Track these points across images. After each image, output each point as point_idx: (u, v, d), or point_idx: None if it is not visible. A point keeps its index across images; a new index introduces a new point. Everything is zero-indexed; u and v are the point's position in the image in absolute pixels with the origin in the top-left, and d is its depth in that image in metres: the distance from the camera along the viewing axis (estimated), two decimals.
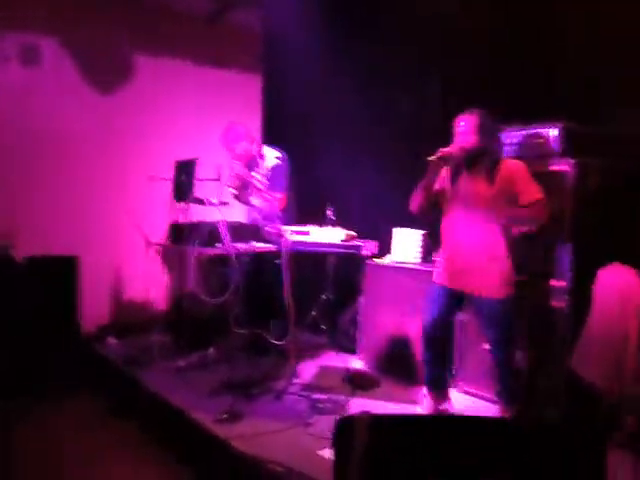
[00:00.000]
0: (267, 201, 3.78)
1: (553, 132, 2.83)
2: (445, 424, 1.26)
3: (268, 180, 3.80)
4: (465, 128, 2.69)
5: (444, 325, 2.88)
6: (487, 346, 3.05)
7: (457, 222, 2.78)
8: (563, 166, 2.76)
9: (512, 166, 2.66)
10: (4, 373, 3.31)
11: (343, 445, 1.06)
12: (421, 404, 2.99)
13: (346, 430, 1.06)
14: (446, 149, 2.69)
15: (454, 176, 2.79)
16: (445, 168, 2.82)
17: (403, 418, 1.20)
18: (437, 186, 2.84)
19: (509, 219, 2.65)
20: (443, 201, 2.84)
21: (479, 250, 2.69)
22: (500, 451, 1.17)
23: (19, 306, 3.54)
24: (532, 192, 2.57)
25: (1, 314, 3.41)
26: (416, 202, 2.83)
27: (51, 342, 3.73)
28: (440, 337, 2.88)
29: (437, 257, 3.01)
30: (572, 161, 2.72)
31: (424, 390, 2.99)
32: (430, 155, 2.70)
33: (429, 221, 3.16)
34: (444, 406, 2.93)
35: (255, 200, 3.84)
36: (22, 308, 3.56)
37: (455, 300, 2.83)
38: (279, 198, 3.76)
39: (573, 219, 2.73)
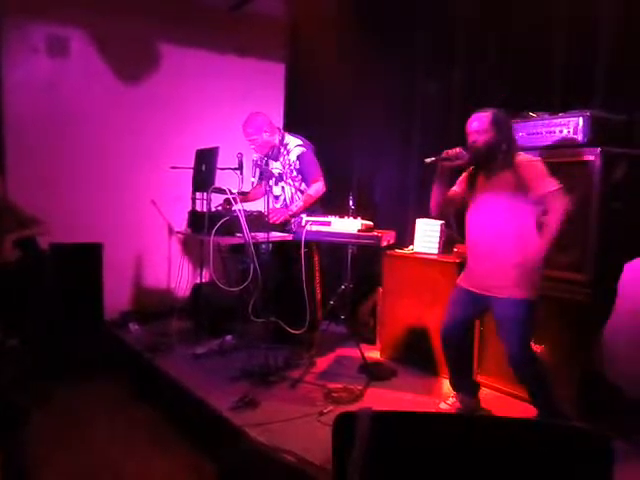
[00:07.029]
0: (296, 190, 3.75)
1: (579, 121, 2.74)
2: (455, 424, 1.19)
3: (297, 170, 3.73)
4: (478, 126, 2.55)
5: (460, 330, 2.76)
6: None
7: (476, 225, 2.66)
8: (589, 156, 2.67)
9: (525, 162, 2.52)
10: (31, 357, 3.40)
11: (342, 444, 1.03)
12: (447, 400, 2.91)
13: (345, 428, 1.04)
14: (451, 150, 2.57)
15: (472, 178, 2.68)
16: (466, 171, 2.73)
17: (408, 415, 1.16)
18: (457, 189, 2.76)
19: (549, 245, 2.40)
20: (465, 203, 2.74)
21: (499, 253, 2.54)
22: (517, 456, 1.08)
23: (44, 292, 3.62)
24: (545, 185, 2.40)
25: (27, 300, 3.48)
26: (433, 204, 2.77)
27: (76, 327, 3.81)
28: (455, 343, 2.77)
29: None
30: (598, 151, 2.63)
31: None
32: (431, 157, 2.62)
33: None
34: (469, 407, 2.82)
35: (276, 189, 3.83)
36: (47, 294, 3.63)
37: (476, 304, 2.69)
38: (318, 183, 3.68)
39: (599, 210, 2.64)
